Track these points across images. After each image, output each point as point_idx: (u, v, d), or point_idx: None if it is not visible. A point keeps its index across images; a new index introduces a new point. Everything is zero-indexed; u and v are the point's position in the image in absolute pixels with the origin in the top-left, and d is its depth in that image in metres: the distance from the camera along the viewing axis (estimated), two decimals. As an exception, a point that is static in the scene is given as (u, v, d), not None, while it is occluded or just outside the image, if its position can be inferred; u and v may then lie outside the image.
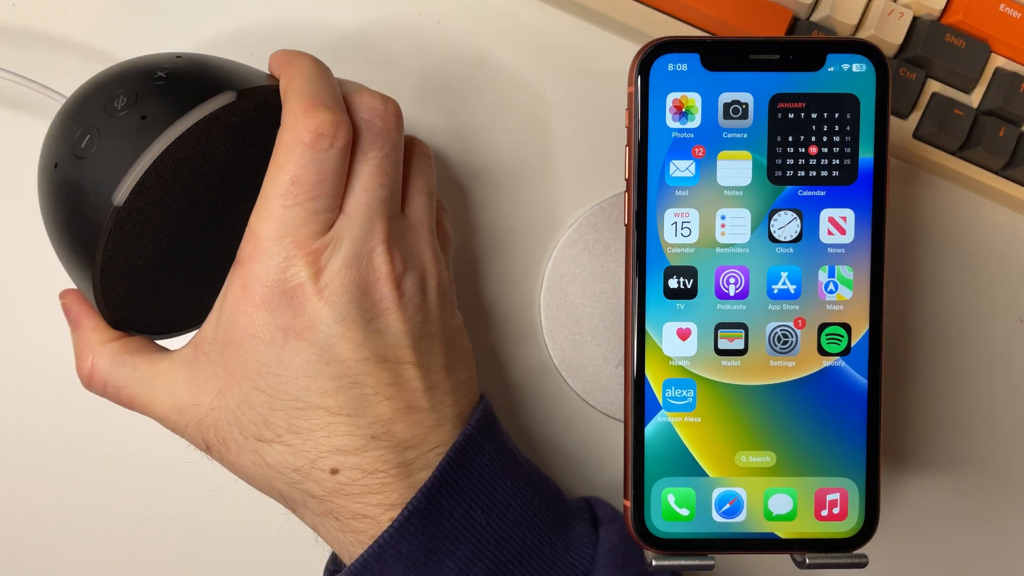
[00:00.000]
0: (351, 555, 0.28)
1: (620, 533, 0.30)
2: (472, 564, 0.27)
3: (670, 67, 0.28)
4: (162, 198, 0.27)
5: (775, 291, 0.29)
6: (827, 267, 0.29)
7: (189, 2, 0.36)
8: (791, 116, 0.29)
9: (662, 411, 0.29)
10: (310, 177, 0.26)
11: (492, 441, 0.29)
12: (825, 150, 0.29)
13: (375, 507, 0.27)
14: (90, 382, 0.29)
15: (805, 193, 0.29)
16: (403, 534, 0.27)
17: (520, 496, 0.29)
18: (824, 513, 0.29)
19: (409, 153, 0.30)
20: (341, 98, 0.28)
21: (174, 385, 0.28)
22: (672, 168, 0.29)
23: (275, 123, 0.28)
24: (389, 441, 0.27)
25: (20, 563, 0.36)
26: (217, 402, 0.27)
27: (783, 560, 0.31)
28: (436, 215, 0.31)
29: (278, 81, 0.29)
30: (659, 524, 0.29)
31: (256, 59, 0.36)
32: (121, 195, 0.26)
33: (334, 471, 0.27)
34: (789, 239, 0.29)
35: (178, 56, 0.29)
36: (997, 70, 0.36)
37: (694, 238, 0.29)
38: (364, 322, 0.27)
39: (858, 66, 0.28)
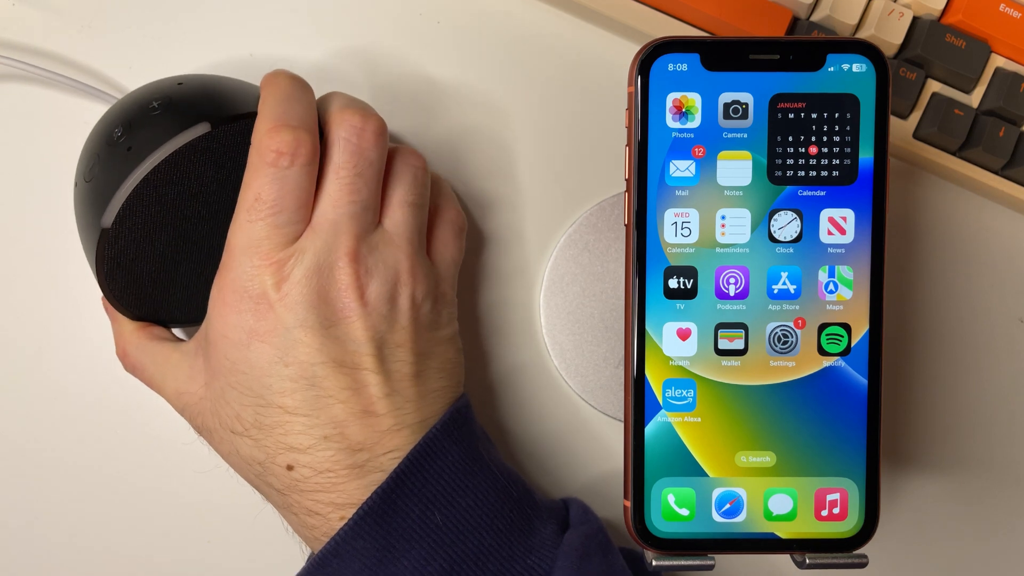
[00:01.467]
0: (311, 549, 0.30)
1: (583, 536, 0.30)
2: (426, 563, 0.28)
3: (670, 67, 0.28)
4: (153, 217, 0.30)
5: (775, 291, 0.29)
6: (827, 267, 0.29)
7: (188, 2, 0.36)
8: (791, 116, 0.29)
9: (662, 411, 0.29)
10: (272, 194, 0.28)
11: (457, 444, 0.30)
12: (825, 150, 0.29)
13: (326, 505, 0.28)
14: (124, 363, 0.32)
15: (805, 193, 0.29)
16: (357, 532, 0.28)
17: (482, 498, 0.29)
18: (824, 513, 0.29)
19: (394, 164, 0.31)
20: (311, 116, 0.29)
21: (178, 373, 0.31)
22: (672, 168, 0.29)
23: None
24: (340, 443, 0.28)
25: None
26: (204, 393, 0.30)
27: (783, 560, 0.31)
28: (440, 227, 0.33)
29: None
30: (659, 524, 0.29)
31: (257, 59, 0.36)
32: (107, 219, 0.29)
33: (289, 467, 0.29)
34: (789, 239, 0.29)
35: (180, 83, 0.31)
36: (997, 70, 0.36)
37: (694, 238, 0.29)
38: (323, 328, 0.28)
39: (858, 66, 0.28)
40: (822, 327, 0.29)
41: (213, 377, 0.29)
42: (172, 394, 0.31)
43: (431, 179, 0.33)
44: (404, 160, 0.31)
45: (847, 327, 0.29)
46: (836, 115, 0.28)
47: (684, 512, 0.29)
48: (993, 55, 0.36)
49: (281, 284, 0.28)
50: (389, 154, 0.31)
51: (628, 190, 0.29)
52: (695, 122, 0.28)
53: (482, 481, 0.29)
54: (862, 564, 0.29)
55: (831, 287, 0.29)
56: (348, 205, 0.28)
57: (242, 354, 0.28)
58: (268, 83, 0.30)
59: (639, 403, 0.29)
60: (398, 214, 0.30)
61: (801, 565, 0.29)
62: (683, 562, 0.29)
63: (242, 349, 0.28)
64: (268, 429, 0.28)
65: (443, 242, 0.32)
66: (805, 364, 0.29)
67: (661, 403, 0.29)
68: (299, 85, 0.30)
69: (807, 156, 0.29)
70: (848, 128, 0.29)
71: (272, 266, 0.28)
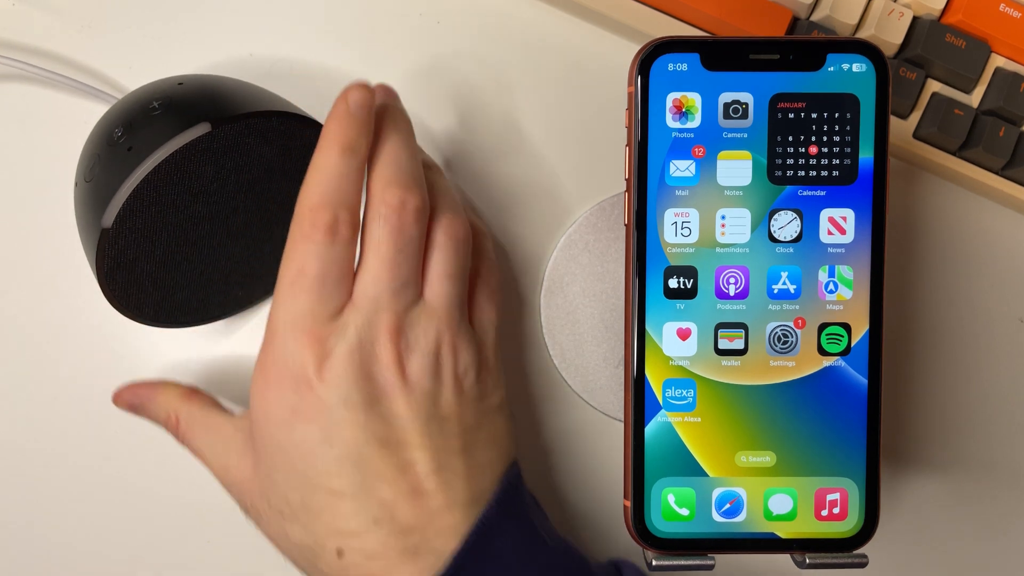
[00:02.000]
0: None
1: None
2: None
3: (670, 67, 0.28)
4: (153, 217, 0.30)
5: (775, 291, 0.29)
6: (827, 267, 0.29)
7: (188, 2, 0.36)
8: (791, 116, 0.29)
9: (662, 411, 0.29)
10: (313, 269, 0.27)
11: (514, 519, 0.29)
12: (825, 150, 0.29)
13: None
14: (176, 434, 0.32)
15: (805, 193, 0.29)
16: None
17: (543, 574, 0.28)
18: (824, 513, 0.29)
19: (434, 234, 0.30)
20: (356, 193, 0.28)
21: (228, 449, 0.30)
22: (672, 168, 0.29)
23: (264, 144, 0.30)
24: (391, 525, 0.27)
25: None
26: (252, 474, 0.29)
27: (783, 560, 0.31)
28: (479, 291, 0.32)
29: (264, 108, 0.30)
30: (659, 524, 0.29)
31: (257, 59, 0.36)
32: (107, 219, 0.29)
33: (339, 552, 0.27)
34: (789, 239, 0.29)
35: (180, 83, 0.31)
36: (997, 70, 0.36)
37: (694, 238, 0.29)
38: (366, 406, 0.27)
39: (858, 66, 0.28)
40: (822, 327, 0.29)
41: (259, 458, 0.29)
42: (220, 469, 0.30)
43: (472, 234, 0.32)
44: (445, 231, 0.30)
45: (847, 327, 0.29)
46: (836, 115, 0.28)
47: (684, 512, 0.29)
48: (993, 55, 0.36)
49: (323, 361, 0.27)
50: (430, 219, 0.30)
51: (628, 190, 0.29)
52: (695, 122, 0.28)
53: (541, 558, 0.29)
54: (862, 564, 0.29)
55: (831, 287, 0.29)
56: (389, 281, 0.28)
57: (286, 435, 0.28)
58: (319, 145, 0.28)
59: (639, 403, 0.29)
60: (438, 287, 0.29)
61: (801, 565, 0.29)
62: (683, 562, 0.29)
63: (286, 429, 0.28)
64: (316, 513, 0.28)
65: (482, 307, 0.32)
66: (805, 364, 0.29)
67: (661, 403, 0.29)
68: (348, 157, 0.28)
69: (807, 156, 0.29)
70: (848, 128, 0.29)
71: (315, 342, 0.27)
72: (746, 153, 0.29)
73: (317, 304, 0.27)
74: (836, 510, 0.29)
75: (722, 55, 0.28)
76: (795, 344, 0.29)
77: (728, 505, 0.29)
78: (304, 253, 0.27)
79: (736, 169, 0.29)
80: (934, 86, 0.36)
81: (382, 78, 0.36)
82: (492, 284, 0.32)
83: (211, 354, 0.36)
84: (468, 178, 0.37)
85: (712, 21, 0.35)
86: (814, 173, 0.29)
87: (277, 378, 0.28)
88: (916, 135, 0.36)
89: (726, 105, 0.28)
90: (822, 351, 0.29)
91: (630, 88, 0.29)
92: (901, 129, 0.36)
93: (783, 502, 0.29)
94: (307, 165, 0.33)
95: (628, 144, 0.29)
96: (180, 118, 0.29)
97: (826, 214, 0.29)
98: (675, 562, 0.29)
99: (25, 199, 0.36)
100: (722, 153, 0.29)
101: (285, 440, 0.28)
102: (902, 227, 0.38)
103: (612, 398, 0.36)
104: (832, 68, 0.28)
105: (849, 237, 0.29)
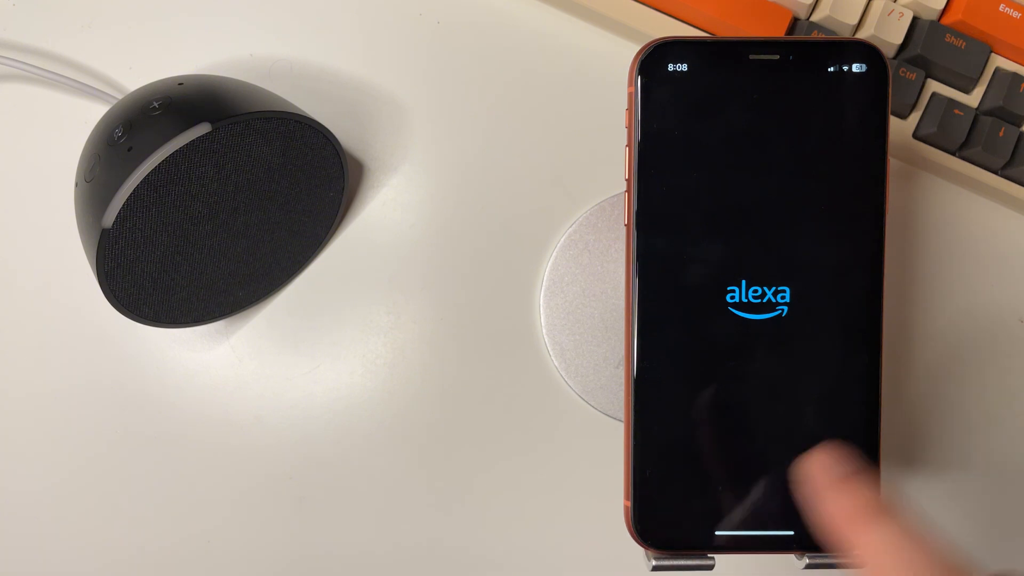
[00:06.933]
0: None
1: None
2: None
3: (670, 67, 0.28)
4: (153, 217, 0.30)
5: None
6: (827, 267, 0.29)
7: (188, 2, 0.36)
8: (791, 116, 0.28)
9: (662, 411, 0.29)
10: None
11: None
12: (825, 150, 0.29)
13: None
14: None
15: (805, 192, 0.29)
16: None
17: None
18: (824, 513, 0.29)
19: None
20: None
21: None
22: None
23: (264, 144, 0.31)
24: None
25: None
26: None
27: (783, 560, 0.31)
28: None
29: (264, 108, 0.30)
30: (659, 524, 0.29)
31: (257, 59, 0.36)
32: (108, 219, 0.29)
33: None
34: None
35: (180, 83, 0.31)
36: (997, 70, 0.36)
37: (694, 238, 0.29)
38: None
39: (858, 66, 0.28)
40: (822, 327, 0.29)
41: None
42: None
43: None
44: None
45: (847, 327, 0.29)
46: (836, 115, 0.28)
47: (684, 512, 0.29)
48: (993, 55, 0.36)
49: None
50: None
51: (628, 190, 0.29)
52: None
53: None
54: (862, 564, 0.29)
55: (831, 287, 0.29)
56: None
57: None
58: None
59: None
60: None
61: (801, 565, 0.29)
62: (683, 562, 0.29)
63: None
64: None
65: None
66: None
67: (661, 403, 0.29)
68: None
69: (807, 156, 0.29)
70: (848, 128, 0.28)
71: None
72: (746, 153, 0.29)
73: None
74: (836, 510, 0.29)
75: (722, 55, 0.28)
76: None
77: (728, 505, 0.29)
78: None
79: (736, 169, 0.29)
80: (934, 86, 0.36)
81: (382, 78, 0.36)
82: None
83: (211, 354, 0.36)
84: (467, 178, 0.37)
85: (712, 21, 0.35)
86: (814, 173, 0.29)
87: None
88: (916, 135, 0.36)
89: (726, 105, 0.28)
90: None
91: (630, 88, 0.28)
92: (901, 129, 0.36)
93: (783, 502, 0.29)
94: (307, 165, 0.33)
95: (628, 144, 0.29)
96: (180, 118, 0.29)
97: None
98: (675, 562, 0.29)
99: (25, 199, 0.36)
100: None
101: None
102: (902, 227, 0.38)
103: (612, 398, 0.36)
104: (832, 68, 0.28)
105: (849, 237, 0.29)
